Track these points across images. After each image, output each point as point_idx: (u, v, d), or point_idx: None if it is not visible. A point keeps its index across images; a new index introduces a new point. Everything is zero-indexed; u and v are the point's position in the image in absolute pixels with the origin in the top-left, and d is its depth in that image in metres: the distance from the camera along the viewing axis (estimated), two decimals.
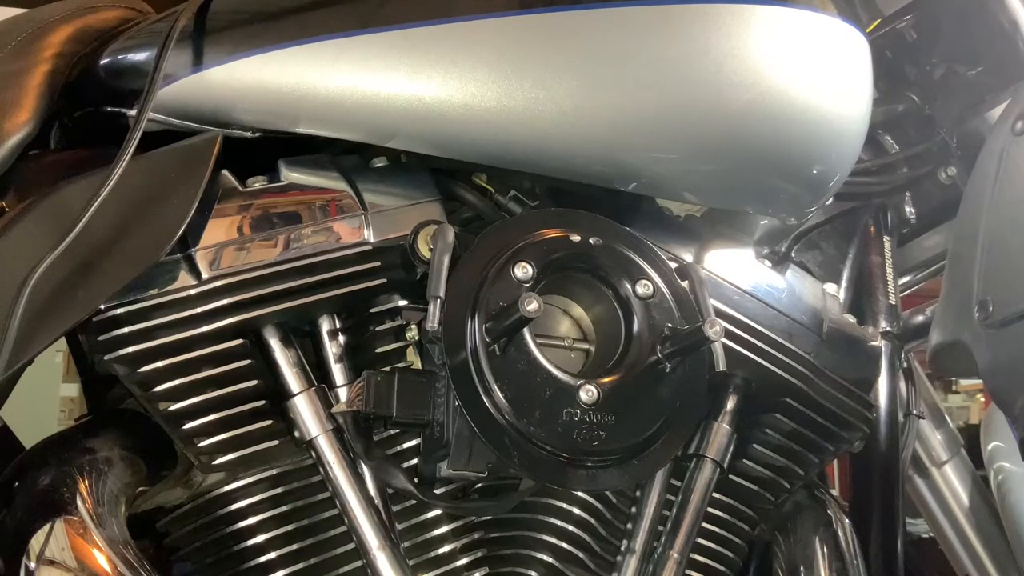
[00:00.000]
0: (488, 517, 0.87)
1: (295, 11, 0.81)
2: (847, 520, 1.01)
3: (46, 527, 0.71)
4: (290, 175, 0.82)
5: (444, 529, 0.85)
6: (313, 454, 0.81)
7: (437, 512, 0.85)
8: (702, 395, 0.77)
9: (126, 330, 0.75)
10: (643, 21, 0.78)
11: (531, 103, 0.77)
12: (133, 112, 0.81)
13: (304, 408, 0.80)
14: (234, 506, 0.81)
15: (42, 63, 0.85)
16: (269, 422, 0.80)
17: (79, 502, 0.72)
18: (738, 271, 0.91)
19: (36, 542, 0.70)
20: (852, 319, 1.02)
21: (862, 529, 1.04)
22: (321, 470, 0.81)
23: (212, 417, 0.78)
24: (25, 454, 0.79)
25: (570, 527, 0.87)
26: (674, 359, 0.74)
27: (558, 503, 0.88)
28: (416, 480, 0.81)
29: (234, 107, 0.79)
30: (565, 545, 0.88)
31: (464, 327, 0.71)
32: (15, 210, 0.77)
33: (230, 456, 0.79)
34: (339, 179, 0.83)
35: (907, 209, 1.15)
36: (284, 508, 0.81)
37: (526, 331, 0.72)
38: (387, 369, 0.79)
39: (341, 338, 0.83)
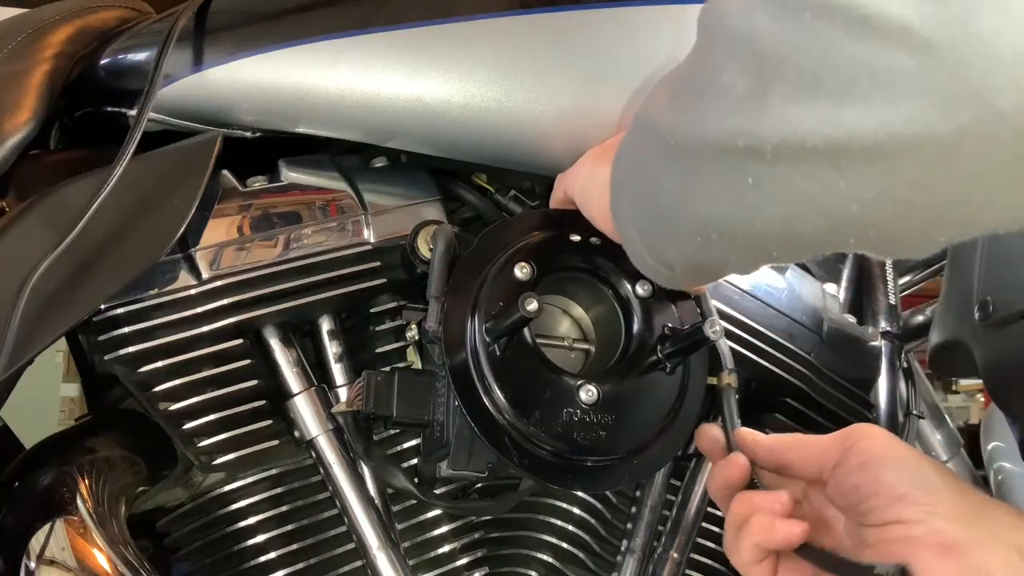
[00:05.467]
0: (488, 517, 0.87)
1: (295, 11, 0.81)
2: None
3: (46, 527, 0.71)
4: (290, 175, 0.82)
5: (444, 529, 0.85)
6: (313, 454, 0.81)
7: (437, 512, 0.85)
8: (702, 395, 0.77)
9: (126, 330, 0.75)
10: (643, 21, 0.77)
11: (531, 103, 0.77)
12: (133, 112, 0.81)
13: (304, 408, 0.80)
14: (234, 506, 0.81)
15: (42, 63, 0.85)
16: (269, 422, 0.80)
17: (79, 502, 0.72)
18: None
19: (36, 542, 0.70)
20: (852, 319, 1.02)
21: None
22: (321, 470, 0.81)
23: (212, 417, 0.78)
24: (25, 454, 0.79)
25: (570, 527, 0.88)
26: (674, 359, 0.74)
27: (558, 503, 0.88)
28: (416, 480, 0.81)
29: (234, 107, 0.79)
30: (565, 545, 0.88)
31: (464, 327, 0.71)
32: (15, 210, 0.77)
33: (230, 456, 0.79)
34: (339, 179, 0.83)
35: None
36: (284, 508, 0.81)
37: (526, 331, 0.72)
38: (387, 369, 0.79)
39: (341, 338, 0.83)
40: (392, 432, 0.83)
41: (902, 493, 0.58)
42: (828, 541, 0.64)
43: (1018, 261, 0.81)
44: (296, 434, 0.81)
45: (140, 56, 0.84)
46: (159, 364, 0.76)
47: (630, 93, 0.77)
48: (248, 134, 0.81)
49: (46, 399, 3.06)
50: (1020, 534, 0.55)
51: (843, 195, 0.44)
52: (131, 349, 0.75)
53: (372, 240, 0.81)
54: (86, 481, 0.74)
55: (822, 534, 0.64)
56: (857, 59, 0.41)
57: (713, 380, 0.75)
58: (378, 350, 0.84)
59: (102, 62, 0.86)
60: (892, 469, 0.59)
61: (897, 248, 0.49)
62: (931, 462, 0.60)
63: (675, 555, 0.88)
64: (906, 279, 1.24)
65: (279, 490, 0.82)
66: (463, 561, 0.85)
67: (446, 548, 0.85)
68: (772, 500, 0.62)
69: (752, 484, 0.66)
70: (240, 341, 0.78)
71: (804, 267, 1.04)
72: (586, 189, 0.73)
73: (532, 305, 0.67)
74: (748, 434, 0.69)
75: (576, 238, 0.76)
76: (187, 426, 0.77)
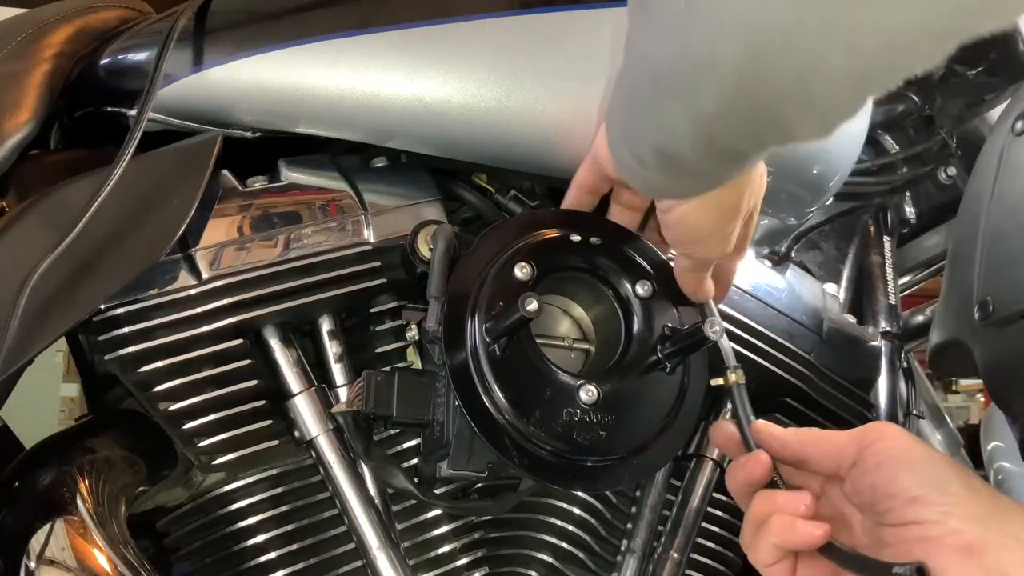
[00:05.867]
0: (488, 517, 0.87)
1: (295, 11, 0.81)
2: None
3: (46, 527, 0.71)
4: (290, 175, 0.82)
5: (444, 529, 0.85)
6: (313, 454, 0.81)
7: (437, 512, 0.85)
8: (702, 395, 0.77)
9: (126, 330, 0.75)
10: None
11: (531, 103, 0.77)
12: (133, 112, 0.81)
13: (304, 408, 0.80)
14: (234, 506, 0.81)
15: (42, 63, 0.85)
16: (269, 422, 0.80)
17: (79, 502, 0.72)
18: (738, 271, 0.91)
19: (36, 542, 0.70)
20: (852, 319, 1.02)
21: None
22: (321, 470, 0.81)
23: (212, 417, 0.78)
24: (25, 454, 0.79)
25: (570, 527, 0.88)
26: (674, 359, 0.74)
27: (558, 503, 0.88)
28: (416, 480, 0.81)
29: (234, 107, 0.79)
30: (565, 545, 0.88)
31: (464, 327, 0.71)
32: (15, 210, 0.77)
33: (230, 456, 0.79)
34: (339, 179, 0.83)
35: (907, 209, 1.15)
36: (284, 508, 0.81)
37: (526, 331, 0.72)
38: (387, 369, 0.79)
39: (341, 338, 0.83)
40: (392, 432, 0.83)
41: (918, 494, 0.58)
42: (846, 538, 0.64)
43: (1018, 261, 0.81)
44: (296, 434, 0.81)
45: (140, 56, 0.84)
46: (159, 364, 0.76)
47: None
48: (248, 134, 0.81)
49: (46, 399, 3.07)
50: None
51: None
52: (131, 349, 0.75)
53: (372, 240, 0.81)
54: (86, 481, 0.74)
55: (841, 531, 0.64)
56: None
57: (719, 381, 0.74)
58: (378, 350, 0.84)
59: (102, 62, 0.86)
60: (908, 470, 0.59)
61: (816, 106, 0.48)
62: (947, 461, 0.60)
63: (675, 555, 0.88)
64: (906, 279, 1.24)
65: (279, 490, 0.82)
66: (463, 561, 0.85)
67: (446, 548, 0.85)
68: (796, 501, 0.62)
69: (773, 482, 0.66)
70: (240, 341, 0.78)
71: (804, 267, 1.04)
72: (598, 139, 0.73)
73: (532, 305, 0.67)
74: (764, 427, 0.68)
75: (576, 238, 0.76)
76: (187, 426, 0.77)
